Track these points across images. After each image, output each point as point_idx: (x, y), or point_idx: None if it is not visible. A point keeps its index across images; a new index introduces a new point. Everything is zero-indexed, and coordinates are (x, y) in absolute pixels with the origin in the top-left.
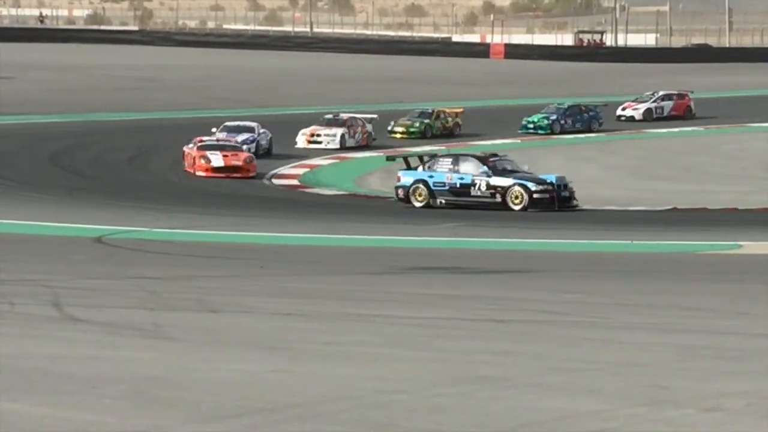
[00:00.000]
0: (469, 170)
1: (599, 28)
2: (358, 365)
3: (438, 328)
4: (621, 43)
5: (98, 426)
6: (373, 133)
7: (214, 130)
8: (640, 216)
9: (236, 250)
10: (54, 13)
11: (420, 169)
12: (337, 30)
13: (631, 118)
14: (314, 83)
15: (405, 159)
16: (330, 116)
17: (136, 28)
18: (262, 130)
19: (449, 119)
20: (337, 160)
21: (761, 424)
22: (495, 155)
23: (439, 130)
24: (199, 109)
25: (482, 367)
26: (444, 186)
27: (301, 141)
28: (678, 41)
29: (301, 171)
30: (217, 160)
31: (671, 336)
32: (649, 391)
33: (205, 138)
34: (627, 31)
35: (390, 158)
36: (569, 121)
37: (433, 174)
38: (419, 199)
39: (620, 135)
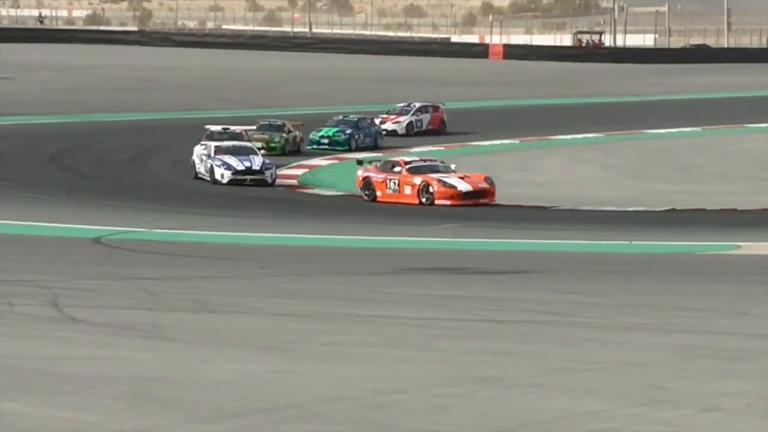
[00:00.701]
0: None
1: (598, 29)
2: (358, 365)
3: (437, 329)
4: (620, 43)
5: (98, 426)
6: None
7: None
8: (639, 216)
9: (236, 250)
10: (53, 14)
11: None
12: (336, 30)
13: (393, 132)
14: (314, 83)
15: None
16: (218, 128)
17: (135, 28)
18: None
19: (297, 134)
20: (336, 161)
21: (761, 424)
22: None
23: (291, 145)
24: (199, 109)
25: (481, 367)
26: None
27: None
28: (676, 42)
29: (300, 172)
30: (462, 184)
31: (670, 336)
32: (648, 392)
33: (406, 158)
34: (626, 32)
35: None
36: (361, 135)
37: None
38: None
39: (619, 136)
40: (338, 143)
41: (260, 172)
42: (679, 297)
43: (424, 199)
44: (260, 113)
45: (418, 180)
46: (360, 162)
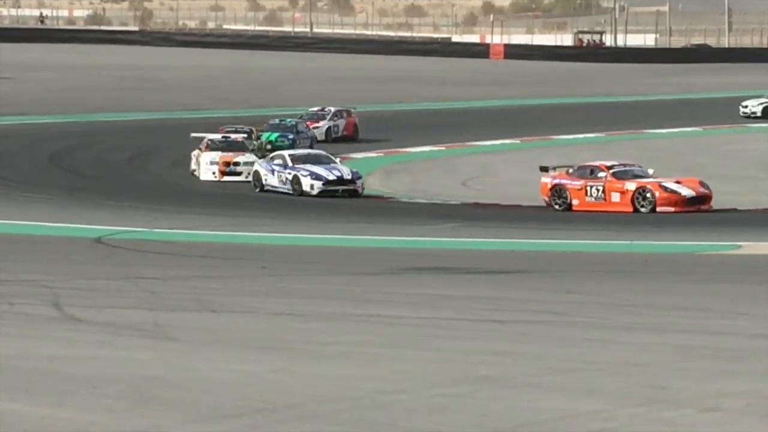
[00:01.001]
0: None
1: (599, 29)
2: (358, 365)
3: (437, 329)
4: (620, 43)
5: (98, 426)
6: None
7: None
8: (639, 216)
9: (236, 250)
10: (54, 14)
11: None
12: (337, 30)
13: (313, 138)
14: (314, 83)
15: None
16: (218, 137)
17: (136, 28)
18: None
19: (263, 138)
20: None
21: (761, 424)
22: None
23: (261, 151)
24: (199, 109)
25: (481, 367)
26: None
27: (208, 172)
28: (677, 41)
29: None
30: (685, 189)
31: (670, 336)
32: (648, 392)
33: (606, 162)
34: (626, 32)
35: None
36: (301, 140)
37: None
38: None
39: (620, 135)
40: (282, 149)
41: (352, 182)
42: (679, 297)
43: (641, 207)
44: (261, 113)
45: (631, 186)
46: (545, 168)
